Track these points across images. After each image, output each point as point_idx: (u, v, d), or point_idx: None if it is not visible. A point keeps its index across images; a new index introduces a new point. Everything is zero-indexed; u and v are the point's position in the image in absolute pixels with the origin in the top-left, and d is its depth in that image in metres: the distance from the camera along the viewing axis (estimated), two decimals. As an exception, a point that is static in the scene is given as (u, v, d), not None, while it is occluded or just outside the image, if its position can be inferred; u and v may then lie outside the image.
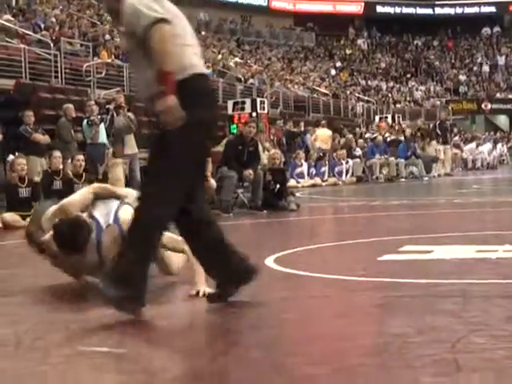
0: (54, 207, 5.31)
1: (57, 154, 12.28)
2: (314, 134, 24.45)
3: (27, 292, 5.25)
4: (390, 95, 45.42)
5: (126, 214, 5.19)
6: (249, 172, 12.40)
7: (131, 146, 14.37)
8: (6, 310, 4.75)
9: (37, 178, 12.22)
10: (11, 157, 11.88)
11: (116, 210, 5.18)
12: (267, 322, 4.15)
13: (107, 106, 15.31)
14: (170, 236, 4.97)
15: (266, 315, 4.38)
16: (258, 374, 3.07)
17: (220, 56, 33.24)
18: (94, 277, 5.07)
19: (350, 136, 25.33)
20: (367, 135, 27.68)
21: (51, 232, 5.00)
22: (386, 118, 31.62)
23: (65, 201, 5.34)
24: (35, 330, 4.14)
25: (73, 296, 4.96)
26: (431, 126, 28.49)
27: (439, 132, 26.55)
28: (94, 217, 5.09)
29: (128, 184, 13.05)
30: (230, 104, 21.91)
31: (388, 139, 25.86)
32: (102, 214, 5.12)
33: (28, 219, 10.56)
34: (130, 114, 14.36)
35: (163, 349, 3.61)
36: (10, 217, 10.80)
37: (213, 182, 11.90)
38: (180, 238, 4.80)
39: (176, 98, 4.06)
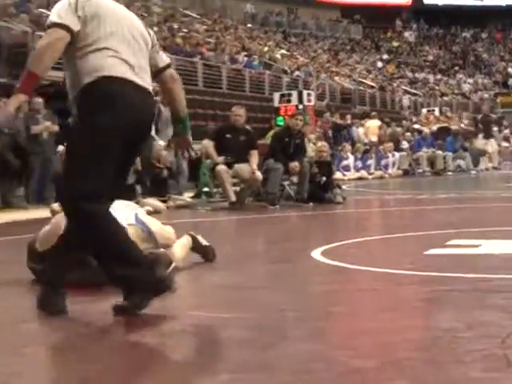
0: (45, 229, 5.33)
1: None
2: (362, 126, 24.39)
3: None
4: (437, 88, 45.02)
5: (147, 217, 5.35)
6: (295, 164, 12.41)
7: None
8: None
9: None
10: (61, 147, 11.98)
11: (135, 214, 5.28)
12: (315, 315, 4.16)
13: (154, 98, 15.36)
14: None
15: (313, 308, 4.38)
16: (306, 366, 3.08)
17: (266, 48, 33.25)
18: None
19: (399, 129, 25.20)
20: (416, 126, 27.44)
21: None
22: (434, 110, 31.33)
23: (53, 221, 5.39)
24: (85, 317, 4.20)
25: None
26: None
27: (481, 126, 26.24)
28: None
29: (175, 175, 13.14)
30: (276, 96, 21.94)
31: (437, 127, 25.66)
32: (118, 216, 5.17)
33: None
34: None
35: (208, 340, 3.62)
36: (58, 206, 10.90)
37: (259, 174, 11.91)
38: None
39: (79, 101, 4.09)
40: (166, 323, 4.04)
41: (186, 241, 5.83)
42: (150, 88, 4.26)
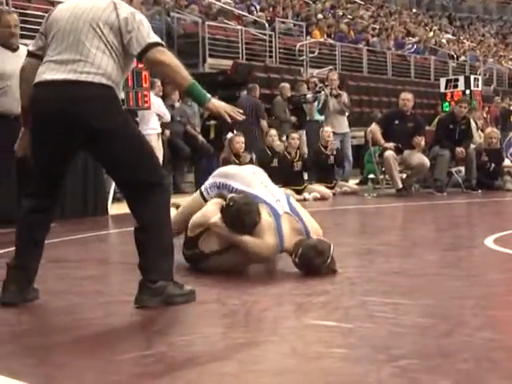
0: (197, 216, 5.34)
1: (273, 132, 12.57)
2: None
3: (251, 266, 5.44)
4: None
5: (298, 205, 5.30)
6: (460, 149, 12.21)
7: (344, 125, 14.48)
8: (236, 283, 4.93)
9: (252, 156, 12.59)
10: (230, 134, 12.24)
11: (287, 198, 5.24)
12: (493, 304, 4.11)
13: (320, 85, 15.47)
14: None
15: (491, 296, 4.32)
16: (486, 355, 3.06)
17: (431, 33, 32.70)
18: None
19: None
20: None
21: (219, 215, 5.09)
22: None
23: (203, 212, 5.34)
24: (263, 302, 4.31)
25: (292, 271, 5.07)
26: None
27: None
28: (265, 201, 5.13)
29: (341, 161, 13.19)
30: (442, 82, 21.50)
31: None
32: (270, 198, 5.18)
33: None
34: (344, 97, 14.39)
35: (384, 326, 3.64)
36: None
37: (427, 161, 11.80)
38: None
39: None
40: (340, 309, 4.09)
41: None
42: (78, 76, 4.05)
